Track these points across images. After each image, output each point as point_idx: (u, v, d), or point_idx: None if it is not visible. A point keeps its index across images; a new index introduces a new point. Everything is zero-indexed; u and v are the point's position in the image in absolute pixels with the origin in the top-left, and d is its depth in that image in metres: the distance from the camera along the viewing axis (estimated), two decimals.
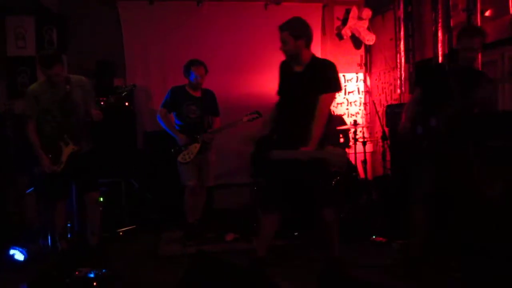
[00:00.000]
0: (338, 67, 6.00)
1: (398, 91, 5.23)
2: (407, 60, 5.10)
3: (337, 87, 3.05)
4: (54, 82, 3.58)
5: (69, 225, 4.14)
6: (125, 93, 3.84)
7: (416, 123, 3.30)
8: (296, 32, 3.00)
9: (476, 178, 3.26)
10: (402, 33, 5.12)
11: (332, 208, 3.08)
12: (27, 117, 3.64)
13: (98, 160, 3.82)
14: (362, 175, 5.06)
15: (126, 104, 4.94)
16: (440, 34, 4.46)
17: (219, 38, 5.51)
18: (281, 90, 3.23)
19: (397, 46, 5.24)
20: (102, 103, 3.70)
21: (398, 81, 5.22)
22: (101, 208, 3.94)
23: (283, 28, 3.05)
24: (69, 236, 4.11)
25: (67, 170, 3.63)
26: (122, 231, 4.55)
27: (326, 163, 2.89)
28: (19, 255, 3.90)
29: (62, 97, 3.60)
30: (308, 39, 3.06)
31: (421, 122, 3.25)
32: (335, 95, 3.18)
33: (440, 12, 4.48)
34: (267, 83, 5.42)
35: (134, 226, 4.64)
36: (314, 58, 3.12)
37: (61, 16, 5.26)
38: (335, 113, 5.65)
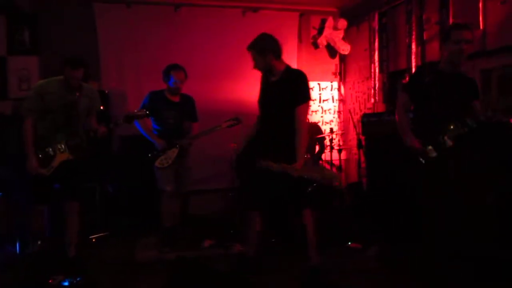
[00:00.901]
0: (314, 76, 6.14)
1: (372, 100, 5.37)
2: (381, 70, 5.25)
3: (307, 97, 3.16)
4: (69, 86, 3.48)
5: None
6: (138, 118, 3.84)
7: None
8: (261, 49, 3.17)
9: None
10: (376, 44, 5.27)
11: (311, 211, 3.18)
12: (28, 112, 3.49)
13: (86, 169, 3.71)
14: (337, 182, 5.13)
15: (101, 108, 4.83)
16: (413, 46, 4.62)
17: (196, 44, 5.49)
18: (260, 100, 3.35)
19: (371, 56, 5.39)
20: (111, 124, 3.67)
21: (372, 91, 5.36)
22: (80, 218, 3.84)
23: (249, 48, 3.25)
24: (38, 242, 3.98)
25: (55, 175, 3.50)
26: (95, 238, 4.44)
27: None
28: None
29: (69, 102, 3.49)
30: (275, 51, 3.20)
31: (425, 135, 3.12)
32: (308, 104, 3.26)
33: (414, 24, 4.64)
34: (245, 90, 5.45)
35: (107, 233, 4.54)
36: (287, 69, 3.25)
37: (34, 15, 5.12)
38: (310, 121, 5.72)
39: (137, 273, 3.58)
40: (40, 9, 5.13)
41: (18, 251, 4.02)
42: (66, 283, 3.18)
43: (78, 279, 3.24)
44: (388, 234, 4.06)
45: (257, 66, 3.25)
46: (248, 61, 5.76)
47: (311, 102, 3.43)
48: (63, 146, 3.50)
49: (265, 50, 3.16)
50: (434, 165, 3.04)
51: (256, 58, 3.21)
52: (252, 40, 3.24)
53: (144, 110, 3.84)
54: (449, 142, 3.01)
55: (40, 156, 3.45)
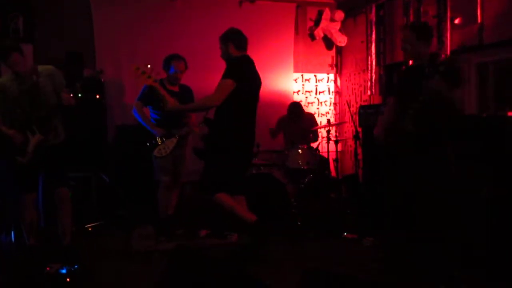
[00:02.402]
0: (310, 67, 6.12)
1: (368, 92, 5.39)
2: (378, 63, 5.27)
3: (226, 75, 3.41)
4: (18, 73, 3.45)
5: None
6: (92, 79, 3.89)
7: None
8: (224, 39, 3.54)
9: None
10: (373, 36, 5.28)
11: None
12: None
13: (67, 153, 3.69)
14: (333, 173, 5.17)
15: (97, 96, 4.80)
16: None
17: (192, 34, 5.46)
18: None
19: (368, 48, 5.40)
20: (71, 94, 3.58)
21: (369, 83, 5.38)
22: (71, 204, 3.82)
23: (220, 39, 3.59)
24: (34, 232, 3.95)
25: (34, 161, 3.49)
26: (91, 227, 4.43)
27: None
28: None
29: (29, 88, 3.47)
30: (237, 42, 3.54)
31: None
32: (226, 82, 3.40)
33: (411, 17, 4.65)
34: None
35: (103, 222, 4.53)
36: (235, 57, 3.54)
37: (28, 2, 5.05)
38: (306, 111, 5.73)
39: (134, 262, 3.58)
40: None
41: (13, 241, 4.00)
42: (63, 271, 3.17)
43: (75, 266, 3.23)
44: (383, 224, 4.10)
45: (222, 56, 3.60)
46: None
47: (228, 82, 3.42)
48: (34, 129, 3.47)
49: (227, 40, 3.52)
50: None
51: (220, 48, 3.58)
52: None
53: (97, 71, 4.04)
54: (409, 126, 2.98)
55: (17, 147, 3.44)
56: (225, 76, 3.40)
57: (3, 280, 3.04)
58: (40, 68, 3.54)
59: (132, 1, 5.26)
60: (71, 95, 3.50)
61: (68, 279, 3.12)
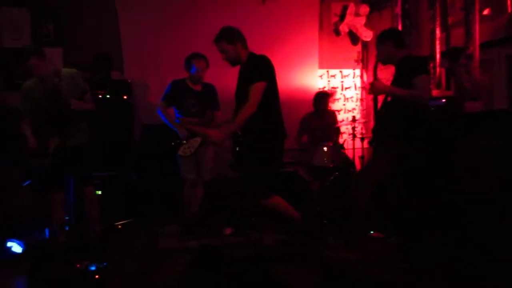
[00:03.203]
0: (335, 63, 6.05)
1: None
2: None
3: (258, 78, 3.22)
4: (40, 75, 3.59)
5: (66, 218, 4.12)
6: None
7: None
8: (230, 39, 3.31)
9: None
10: (399, 30, 5.16)
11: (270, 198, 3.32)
12: (21, 114, 3.70)
13: (91, 154, 3.80)
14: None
15: (124, 97, 4.91)
16: (437, 32, 4.51)
17: (216, 32, 5.47)
18: (236, 92, 3.53)
19: None
20: (100, 96, 3.72)
21: None
22: (98, 202, 3.95)
23: (217, 40, 3.37)
24: (66, 229, 4.09)
25: (58, 163, 3.61)
26: (120, 224, 4.54)
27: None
28: (16, 248, 3.89)
29: (51, 90, 3.58)
30: (243, 41, 3.37)
31: None
32: (260, 84, 3.23)
33: (437, 10, 4.53)
34: None
35: (131, 220, 4.64)
36: (250, 56, 3.39)
37: (57, 8, 5.20)
38: (332, 109, 5.68)
39: (159, 259, 3.66)
40: (63, 2, 5.21)
41: (46, 237, 4.15)
42: (93, 268, 3.27)
43: (104, 264, 3.33)
44: (410, 224, 4.02)
45: (227, 57, 3.36)
46: (269, 49, 5.76)
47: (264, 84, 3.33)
48: (53, 132, 3.59)
49: (233, 38, 3.32)
50: None
51: (225, 49, 3.34)
52: (217, 34, 3.39)
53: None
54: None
55: (38, 147, 3.60)
56: (257, 79, 3.22)
57: (35, 277, 3.16)
58: (63, 71, 3.66)
59: (156, 2, 5.33)
60: (91, 96, 3.68)
61: (97, 276, 3.21)
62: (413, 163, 3.43)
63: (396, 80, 3.46)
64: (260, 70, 3.26)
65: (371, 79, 4.84)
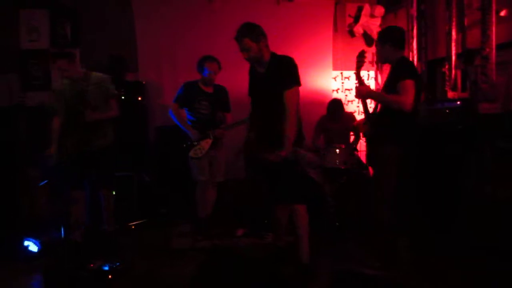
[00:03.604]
0: (350, 65, 6.01)
1: None
2: (419, 59, 5.09)
3: (295, 82, 3.09)
4: (70, 78, 3.68)
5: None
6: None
7: None
8: (255, 36, 3.09)
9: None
10: (415, 31, 5.11)
11: (304, 207, 3.14)
12: (54, 112, 3.82)
13: (113, 157, 3.88)
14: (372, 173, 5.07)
15: (139, 98, 4.97)
16: (453, 33, 4.45)
17: (231, 34, 5.47)
18: (250, 92, 3.35)
19: (409, 44, 5.23)
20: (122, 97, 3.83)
21: None
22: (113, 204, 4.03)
23: (241, 36, 3.12)
24: (82, 228, 4.15)
25: (79, 161, 3.68)
26: (133, 225, 4.59)
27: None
28: (33, 247, 3.96)
29: (78, 93, 3.69)
30: (266, 39, 3.15)
31: None
32: (297, 88, 3.14)
33: (454, 10, 4.47)
34: None
35: (145, 220, 4.68)
36: (273, 56, 3.18)
37: (74, 9, 5.29)
38: (346, 110, 5.64)
39: (172, 259, 3.70)
40: (80, 3, 5.29)
41: (62, 236, 4.22)
42: (106, 267, 3.32)
43: (117, 263, 3.38)
44: (419, 223, 3.98)
45: (250, 55, 3.12)
46: (283, 50, 5.71)
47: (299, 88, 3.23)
48: (80, 132, 3.68)
49: (258, 36, 3.09)
50: None
51: (248, 47, 3.09)
52: (239, 30, 3.14)
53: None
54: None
55: (63, 146, 3.71)
56: (291, 83, 3.06)
57: (50, 276, 3.22)
58: (93, 75, 3.76)
59: (172, 4, 5.38)
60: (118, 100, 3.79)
61: (110, 276, 3.27)
62: (407, 164, 3.40)
63: (388, 82, 3.45)
64: (293, 74, 3.09)
65: (383, 81, 4.83)
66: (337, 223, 4.35)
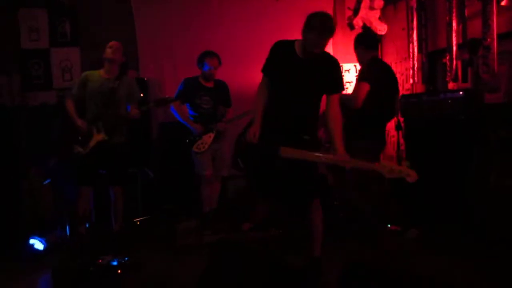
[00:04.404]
0: (350, 57, 6.04)
1: (411, 81, 5.24)
2: (420, 50, 5.10)
3: (343, 87, 3.17)
4: (107, 70, 3.82)
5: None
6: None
7: None
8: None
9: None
10: (415, 22, 5.10)
11: (318, 200, 3.06)
12: (70, 94, 3.89)
13: (129, 154, 3.91)
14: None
15: (141, 95, 4.96)
16: (454, 24, 4.45)
17: (230, 30, 5.50)
18: (281, 75, 2.98)
19: (409, 36, 5.24)
20: (143, 107, 3.96)
21: (411, 71, 5.22)
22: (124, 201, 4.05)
23: (330, 34, 2.91)
24: (87, 225, 4.17)
25: (96, 157, 3.70)
26: (138, 221, 4.60)
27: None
28: (38, 245, 3.98)
29: (108, 90, 3.76)
30: None
31: None
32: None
33: (454, 1, 4.46)
34: None
35: (150, 216, 4.70)
36: (324, 52, 3.02)
37: (73, 7, 5.27)
38: None
39: (179, 255, 3.72)
40: (79, 1, 5.28)
41: (68, 234, 4.24)
42: (114, 263, 3.34)
43: (125, 259, 3.40)
44: (427, 216, 4.01)
45: (321, 50, 2.91)
46: None
47: None
48: (100, 127, 3.70)
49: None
50: None
51: (326, 43, 2.91)
52: (329, 27, 2.91)
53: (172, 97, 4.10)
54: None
55: (80, 138, 3.73)
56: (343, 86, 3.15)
57: (58, 272, 3.24)
58: (125, 76, 3.86)
59: (171, 1, 5.37)
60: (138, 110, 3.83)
61: (118, 271, 3.28)
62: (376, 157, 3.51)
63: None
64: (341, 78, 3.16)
65: None
66: (341, 215, 4.37)
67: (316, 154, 2.90)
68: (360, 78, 3.66)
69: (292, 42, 3.01)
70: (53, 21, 5.24)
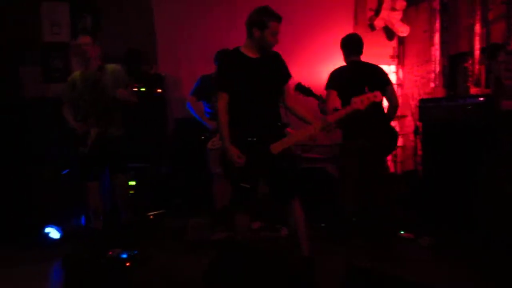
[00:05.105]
0: (370, 59, 5.97)
1: (432, 84, 5.15)
2: (442, 53, 5.01)
3: (291, 75, 3.14)
4: (86, 67, 3.74)
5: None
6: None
7: None
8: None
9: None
10: (437, 25, 5.02)
11: (299, 198, 3.04)
12: (63, 102, 3.87)
13: (127, 145, 3.92)
14: (392, 169, 5.02)
15: (159, 91, 5.01)
16: (477, 27, 4.35)
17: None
18: (244, 82, 2.96)
19: (431, 38, 5.15)
20: (135, 89, 3.82)
21: (432, 75, 5.13)
22: (129, 190, 4.07)
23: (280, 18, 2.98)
24: (101, 218, 4.23)
25: (95, 153, 3.74)
26: (152, 215, 4.65)
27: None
28: (54, 233, 4.06)
29: (92, 83, 3.74)
30: None
31: None
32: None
33: (477, 4, 4.36)
34: (298, 76, 5.38)
35: (163, 211, 4.74)
36: None
37: (95, 2, 5.35)
38: None
39: (189, 251, 3.74)
40: None
41: (83, 225, 4.31)
42: (124, 256, 3.38)
43: (135, 252, 3.43)
44: (442, 224, 3.93)
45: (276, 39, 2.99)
46: (302, 43, 5.70)
47: None
48: (93, 123, 3.71)
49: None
50: None
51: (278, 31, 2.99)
52: (273, 10, 3.04)
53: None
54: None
55: (79, 138, 3.74)
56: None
57: (69, 261, 3.30)
58: (107, 66, 3.79)
59: None
60: (132, 90, 3.73)
61: (128, 264, 3.33)
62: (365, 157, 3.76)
63: None
64: None
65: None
66: (354, 219, 4.31)
67: (300, 131, 3.03)
68: (326, 86, 3.87)
69: (236, 50, 3.05)
70: (74, 15, 5.32)
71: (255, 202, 3.21)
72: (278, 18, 2.96)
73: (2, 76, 4.97)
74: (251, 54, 2.99)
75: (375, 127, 3.77)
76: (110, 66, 3.81)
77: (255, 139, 2.92)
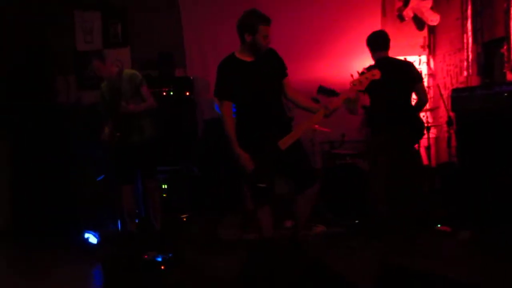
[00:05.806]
0: (400, 50, 5.85)
1: (465, 73, 4.97)
2: (475, 40, 4.82)
3: (286, 68, 3.17)
4: (105, 77, 3.92)
5: (136, 211, 4.36)
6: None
7: None
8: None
9: None
10: (469, 11, 4.84)
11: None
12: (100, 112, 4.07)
13: (155, 150, 4.00)
14: (425, 161, 4.89)
15: (187, 93, 5.08)
16: None
17: (276, 27, 5.43)
18: (245, 87, 3.06)
19: (463, 25, 4.97)
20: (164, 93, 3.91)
21: (465, 63, 4.96)
22: (160, 194, 4.16)
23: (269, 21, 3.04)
24: (136, 221, 4.33)
25: (124, 158, 3.85)
26: (184, 217, 4.72)
27: None
28: (92, 238, 4.20)
29: (112, 90, 3.87)
30: None
31: None
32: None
33: None
34: (326, 70, 5.36)
35: (195, 212, 4.80)
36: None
37: (124, 9, 5.48)
38: None
39: (222, 251, 3.77)
40: (129, 3, 5.47)
41: (119, 229, 4.43)
42: (159, 259, 3.44)
43: (169, 255, 3.49)
44: (480, 217, 3.79)
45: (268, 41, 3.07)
46: (330, 37, 5.63)
47: None
48: (112, 126, 3.84)
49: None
50: None
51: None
52: (264, 14, 3.12)
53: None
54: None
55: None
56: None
57: (108, 265, 3.39)
58: (124, 72, 3.90)
59: (217, 0, 5.42)
60: (148, 91, 3.90)
61: (163, 267, 3.39)
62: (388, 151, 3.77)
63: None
64: None
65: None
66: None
67: (304, 123, 3.09)
68: None
69: (232, 56, 3.13)
70: (106, 23, 5.46)
71: (278, 200, 3.31)
72: (267, 21, 3.02)
73: (39, 85, 5.18)
74: (247, 58, 3.08)
75: (397, 120, 3.78)
76: (127, 72, 3.94)
77: (263, 139, 3.00)
